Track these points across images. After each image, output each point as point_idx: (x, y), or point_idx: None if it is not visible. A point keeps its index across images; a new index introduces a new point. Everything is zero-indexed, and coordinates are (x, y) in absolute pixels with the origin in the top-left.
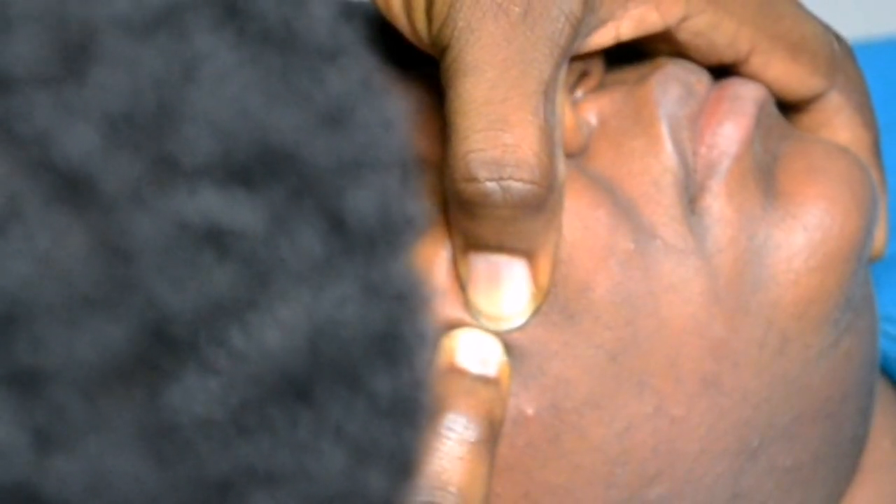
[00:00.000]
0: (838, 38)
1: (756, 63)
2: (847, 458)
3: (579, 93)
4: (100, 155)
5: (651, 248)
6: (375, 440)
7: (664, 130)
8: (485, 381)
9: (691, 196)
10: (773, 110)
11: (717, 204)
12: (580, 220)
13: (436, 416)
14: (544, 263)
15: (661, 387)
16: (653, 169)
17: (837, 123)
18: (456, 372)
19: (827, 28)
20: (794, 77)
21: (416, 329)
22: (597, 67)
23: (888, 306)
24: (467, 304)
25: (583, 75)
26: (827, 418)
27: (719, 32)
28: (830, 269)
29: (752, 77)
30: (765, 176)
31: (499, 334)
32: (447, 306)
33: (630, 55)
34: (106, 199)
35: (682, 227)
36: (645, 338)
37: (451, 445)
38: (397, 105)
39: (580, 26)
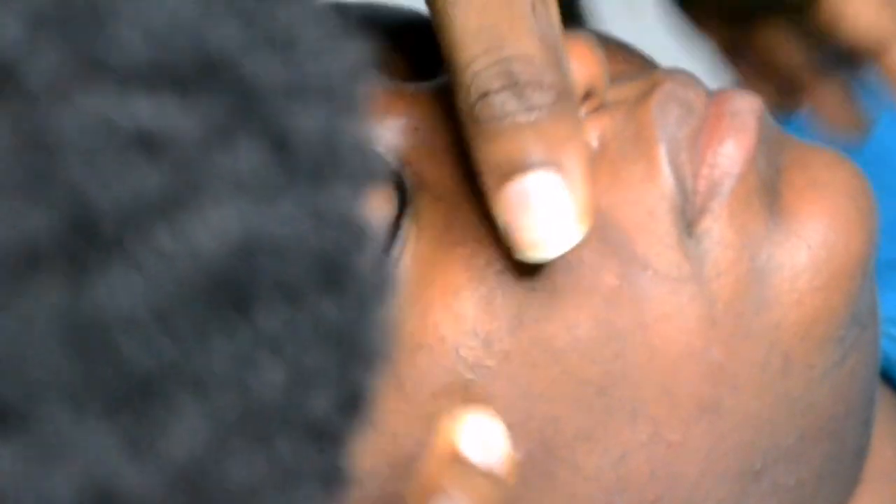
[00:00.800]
0: None
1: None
2: (850, 469)
3: (582, 112)
4: (24, 47)
5: (641, 279)
6: (318, 365)
7: (662, 155)
8: (488, 475)
9: (690, 220)
10: (770, 119)
11: (717, 226)
12: (562, 260)
13: (429, 499)
14: (578, 172)
15: (655, 414)
16: (649, 197)
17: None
18: (458, 462)
19: None
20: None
21: (365, 266)
22: (600, 86)
23: (891, 309)
24: (511, 246)
25: (587, 95)
26: (830, 436)
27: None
28: (836, 287)
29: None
30: (769, 192)
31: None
32: (452, 354)
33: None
34: (29, 92)
35: (677, 255)
36: (636, 368)
37: None
38: (357, 47)
39: None
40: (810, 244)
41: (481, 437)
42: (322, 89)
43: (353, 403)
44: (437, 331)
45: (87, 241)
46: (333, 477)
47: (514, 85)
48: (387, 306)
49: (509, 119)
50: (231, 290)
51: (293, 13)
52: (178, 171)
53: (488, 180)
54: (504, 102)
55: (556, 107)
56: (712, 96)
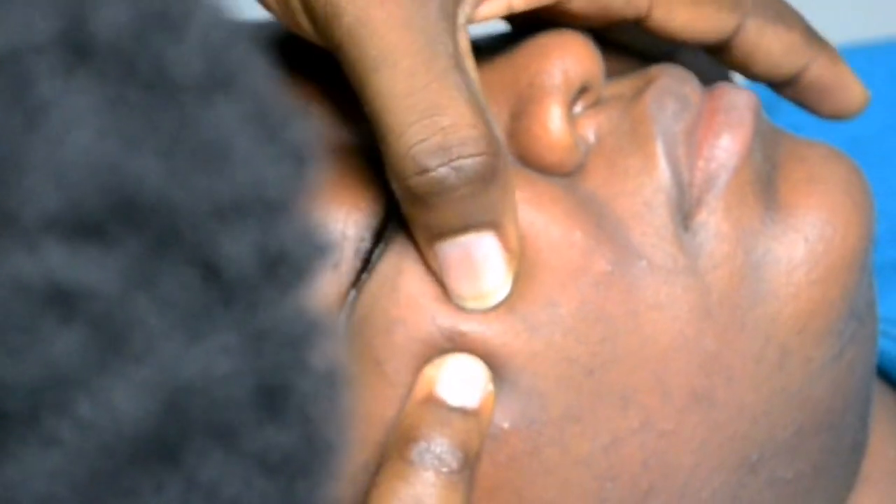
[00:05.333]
0: None
1: (659, 16)
2: (848, 465)
3: (578, 108)
4: None
5: (634, 268)
6: (260, 500)
7: (659, 148)
8: (463, 412)
9: (686, 213)
10: (766, 116)
11: (713, 219)
12: (547, 241)
13: (409, 445)
14: (510, 229)
15: (646, 402)
16: (645, 189)
17: (766, 43)
18: (432, 402)
19: None
20: (701, 19)
21: (313, 372)
22: (596, 82)
23: (892, 310)
24: (449, 294)
25: (582, 91)
26: (829, 429)
27: None
28: (832, 281)
29: (660, 30)
30: (765, 187)
31: (482, 363)
32: (426, 320)
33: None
34: None
35: (672, 247)
36: (626, 354)
37: (424, 475)
38: (300, 129)
39: None
40: (807, 238)
41: (459, 378)
42: (255, 199)
43: None
44: (411, 302)
45: None
46: None
47: (452, 160)
48: (339, 402)
49: (449, 193)
50: (157, 445)
51: (223, 119)
52: (95, 329)
53: (423, 238)
54: (443, 180)
55: (491, 173)
56: (708, 92)
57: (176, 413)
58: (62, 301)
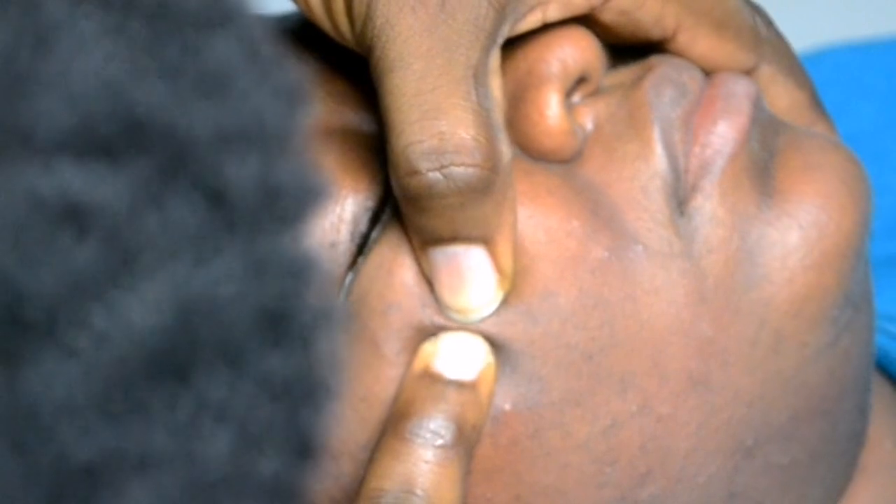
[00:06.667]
0: (757, 9)
1: (683, 40)
2: (845, 455)
3: (576, 97)
4: None
5: (631, 253)
6: (266, 422)
7: (656, 134)
8: (458, 385)
9: (682, 198)
10: (765, 105)
11: (708, 204)
12: (545, 232)
13: (403, 420)
14: (504, 247)
15: (644, 385)
16: (642, 174)
17: (774, 93)
18: (429, 377)
19: (746, 2)
20: (721, 53)
21: (312, 306)
22: (595, 72)
23: (891, 305)
24: (437, 301)
25: (581, 80)
26: (824, 416)
27: (644, 11)
28: (827, 266)
29: (680, 54)
30: (761, 174)
31: (481, 336)
32: (421, 309)
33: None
34: None
35: (668, 231)
36: (625, 338)
37: (417, 450)
38: (292, 75)
39: (505, 10)
40: (801, 224)
41: (456, 352)
42: (256, 131)
43: (304, 452)
44: (406, 290)
45: (19, 330)
46: None
47: (444, 166)
48: (337, 341)
49: (437, 200)
50: (170, 362)
51: (222, 53)
52: (108, 243)
53: (416, 240)
54: (431, 186)
55: (483, 187)
56: (707, 80)
57: (186, 331)
58: (76, 216)
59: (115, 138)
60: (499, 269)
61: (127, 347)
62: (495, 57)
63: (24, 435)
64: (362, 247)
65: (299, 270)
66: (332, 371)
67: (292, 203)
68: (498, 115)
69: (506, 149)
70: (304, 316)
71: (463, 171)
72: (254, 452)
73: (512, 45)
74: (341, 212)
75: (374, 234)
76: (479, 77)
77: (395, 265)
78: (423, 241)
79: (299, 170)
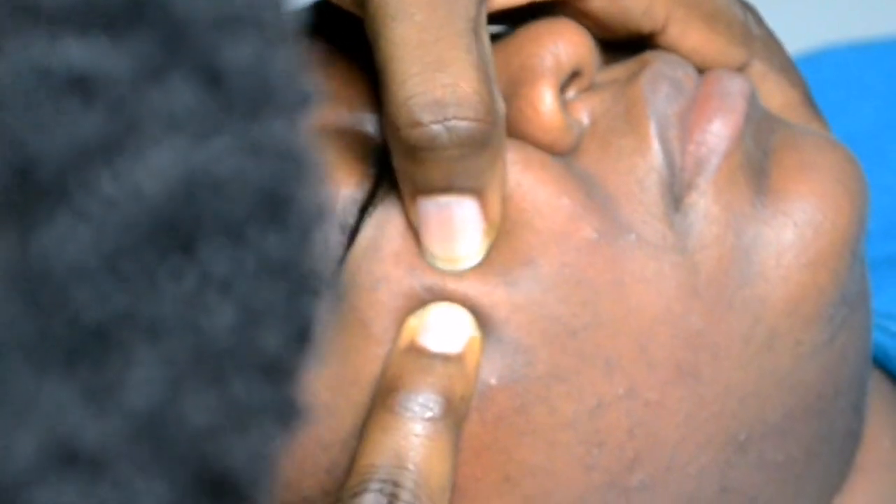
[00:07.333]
0: (748, 6)
1: (673, 33)
2: (841, 453)
3: (571, 93)
4: None
5: (622, 240)
6: (267, 300)
7: (652, 129)
8: (444, 358)
9: (677, 194)
10: (761, 104)
11: (703, 201)
12: (532, 203)
13: (391, 394)
14: (493, 199)
15: (631, 370)
16: (638, 168)
17: (766, 91)
18: (414, 350)
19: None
20: (712, 47)
21: (308, 197)
22: (588, 67)
23: (890, 305)
24: (422, 250)
25: (575, 75)
26: (820, 414)
27: (633, 0)
28: (822, 265)
29: (671, 48)
30: (756, 172)
31: (467, 309)
32: (409, 275)
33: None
34: None
35: (662, 224)
36: (610, 321)
37: (407, 423)
38: None
39: None
40: (796, 222)
41: (440, 325)
42: (251, 19)
43: (303, 336)
44: (393, 259)
45: (32, 191)
46: (289, 412)
47: (446, 119)
48: (328, 232)
49: (438, 151)
50: (176, 232)
51: None
52: (113, 112)
53: (407, 190)
54: (433, 138)
55: (482, 140)
56: (702, 77)
57: (190, 202)
58: (82, 86)
59: (117, 13)
60: (487, 219)
61: (135, 213)
62: (484, 14)
63: (39, 295)
64: (352, 239)
65: (295, 158)
66: (326, 268)
67: (286, 94)
68: (493, 70)
69: (501, 104)
70: (300, 203)
71: (466, 124)
72: (255, 328)
73: (504, 41)
74: (331, 206)
75: (361, 226)
76: (477, 31)
77: (381, 240)
78: (416, 190)
79: (289, 68)
